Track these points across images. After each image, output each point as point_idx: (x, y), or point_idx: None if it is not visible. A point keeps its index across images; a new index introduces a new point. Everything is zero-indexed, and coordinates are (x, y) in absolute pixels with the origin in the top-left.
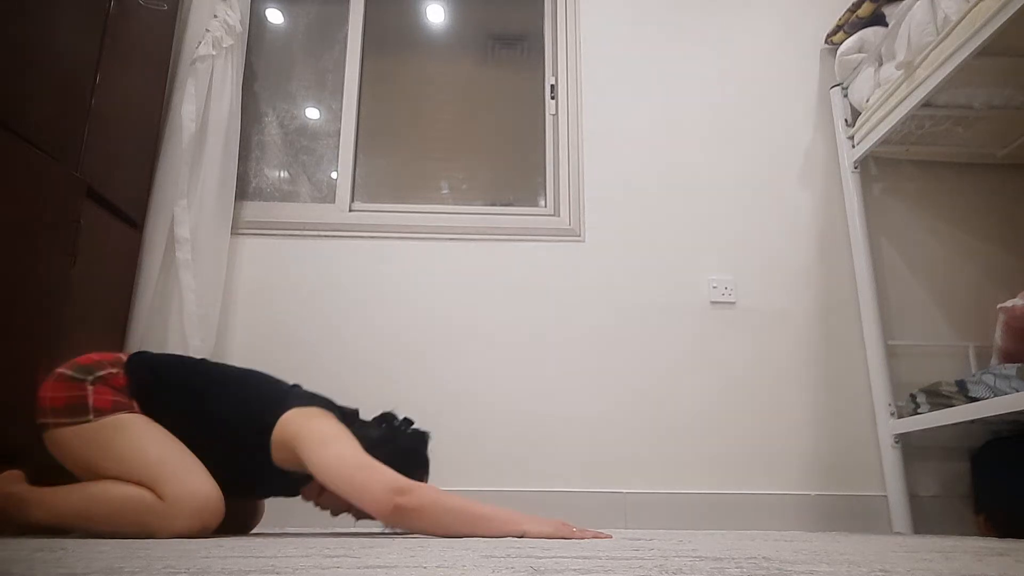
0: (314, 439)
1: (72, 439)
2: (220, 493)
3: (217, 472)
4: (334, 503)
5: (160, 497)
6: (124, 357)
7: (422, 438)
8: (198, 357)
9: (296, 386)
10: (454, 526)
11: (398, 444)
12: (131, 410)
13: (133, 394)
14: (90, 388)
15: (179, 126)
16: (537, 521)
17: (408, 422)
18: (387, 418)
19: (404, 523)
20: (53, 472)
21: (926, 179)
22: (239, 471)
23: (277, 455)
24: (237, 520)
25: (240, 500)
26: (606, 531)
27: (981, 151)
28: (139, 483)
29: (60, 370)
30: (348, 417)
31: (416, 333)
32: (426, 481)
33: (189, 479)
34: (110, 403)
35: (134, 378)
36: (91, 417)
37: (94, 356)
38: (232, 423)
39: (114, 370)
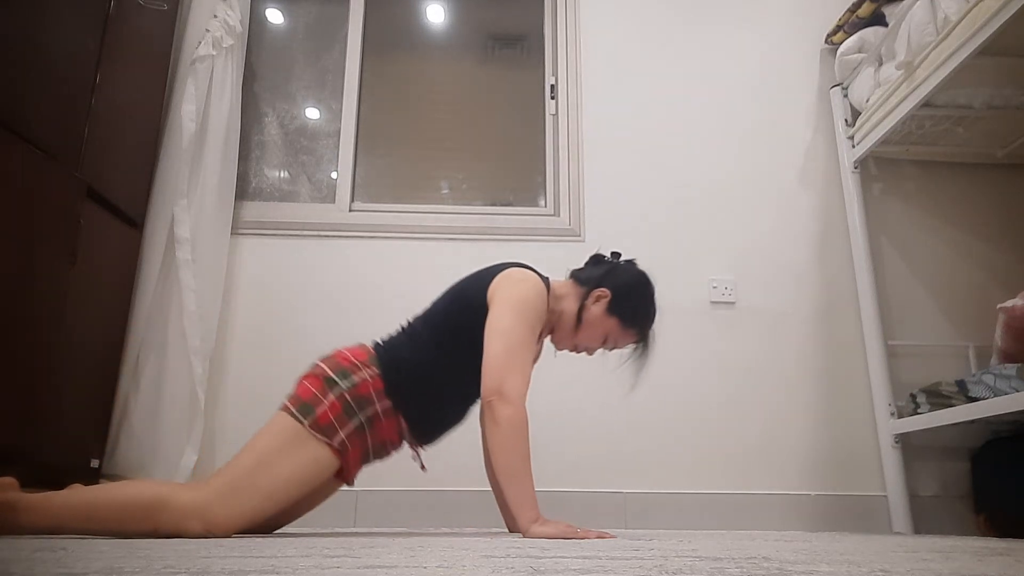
0: (506, 299)
1: (276, 422)
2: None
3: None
4: (589, 342)
5: (204, 507)
6: (371, 351)
7: (633, 262)
8: (406, 323)
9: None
10: (502, 466)
11: (623, 270)
12: (331, 443)
13: (390, 392)
14: (330, 400)
15: (179, 126)
16: (543, 523)
17: (617, 254)
18: (597, 257)
19: (485, 420)
20: (51, 475)
21: (926, 179)
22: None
23: None
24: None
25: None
26: (607, 531)
27: (981, 151)
28: (224, 475)
29: (325, 367)
30: (546, 280)
31: None
32: (655, 301)
33: (237, 520)
34: (328, 422)
35: (388, 376)
36: (305, 422)
37: (351, 357)
38: (465, 319)
39: (371, 371)
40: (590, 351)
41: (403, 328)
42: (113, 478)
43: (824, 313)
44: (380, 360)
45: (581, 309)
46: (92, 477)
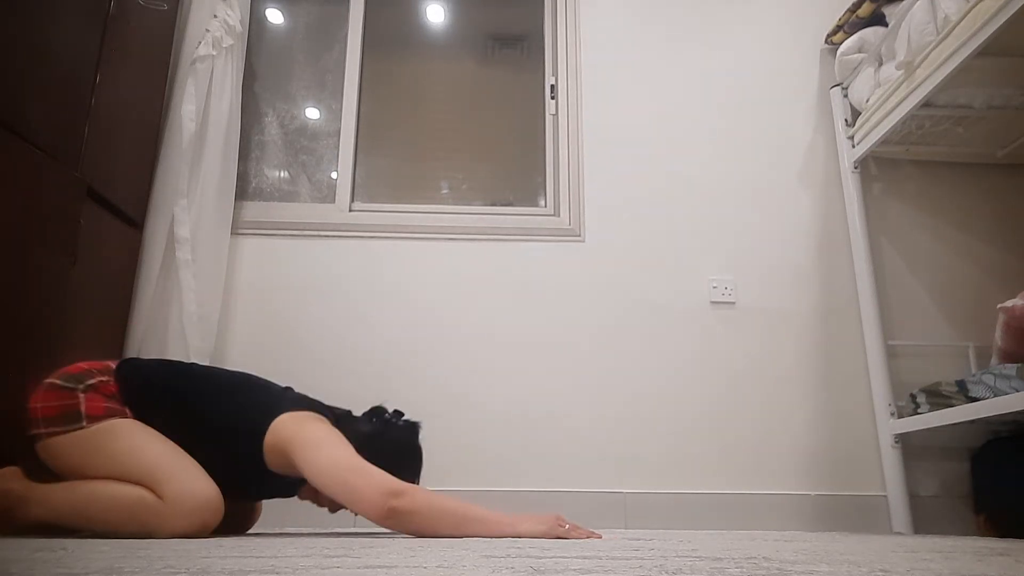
0: (307, 443)
1: (67, 446)
2: (219, 493)
3: (212, 476)
4: (332, 500)
5: (160, 497)
6: (113, 365)
7: (413, 429)
8: (189, 361)
9: (288, 389)
10: (448, 528)
11: (390, 437)
12: (124, 415)
13: (125, 400)
14: (82, 396)
15: (179, 126)
16: (530, 520)
17: (399, 414)
18: (377, 412)
19: (398, 526)
20: (52, 475)
21: (926, 179)
22: (233, 475)
23: (271, 460)
24: (235, 520)
25: (238, 501)
26: (606, 531)
27: (981, 151)
28: (138, 484)
29: (50, 380)
30: (340, 418)
31: (416, 333)
32: (420, 472)
33: (188, 479)
34: (103, 409)
35: (124, 385)
36: (84, 424)
37: (83, 365)
38: (225, 429)
39: (104, 378)
40: (331, 509)
41: (174, 365)
42: None
43: (824, 313)
44: (121, 375)
45: None
46: None
